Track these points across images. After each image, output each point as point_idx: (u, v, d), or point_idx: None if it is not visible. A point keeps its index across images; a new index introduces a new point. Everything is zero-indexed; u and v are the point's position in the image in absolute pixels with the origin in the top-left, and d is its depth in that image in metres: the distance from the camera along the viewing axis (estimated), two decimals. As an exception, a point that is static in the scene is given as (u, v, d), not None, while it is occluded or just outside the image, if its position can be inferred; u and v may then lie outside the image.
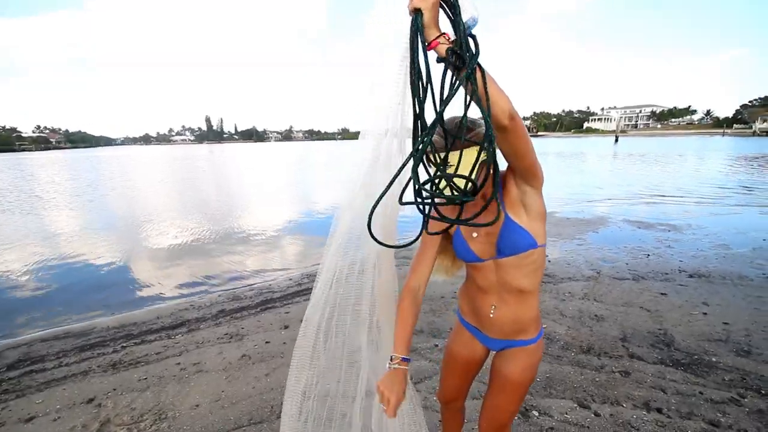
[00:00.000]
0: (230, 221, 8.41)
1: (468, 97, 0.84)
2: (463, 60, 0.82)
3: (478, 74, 0.83)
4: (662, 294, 3.82)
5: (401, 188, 0.98)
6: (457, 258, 1.32)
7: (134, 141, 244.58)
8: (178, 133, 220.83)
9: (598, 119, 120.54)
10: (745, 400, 2.24)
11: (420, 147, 0.88)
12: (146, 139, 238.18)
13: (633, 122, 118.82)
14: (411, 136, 0.94)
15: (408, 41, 0.87)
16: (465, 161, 0.98)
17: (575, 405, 2.22)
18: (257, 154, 47.82)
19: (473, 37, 0.86)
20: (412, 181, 0.93)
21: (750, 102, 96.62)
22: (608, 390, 2.36)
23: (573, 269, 4.59)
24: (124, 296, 4.39)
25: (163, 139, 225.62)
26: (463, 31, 0.83)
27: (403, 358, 1.11)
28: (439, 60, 0.86)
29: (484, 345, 1.34)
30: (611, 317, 3.33)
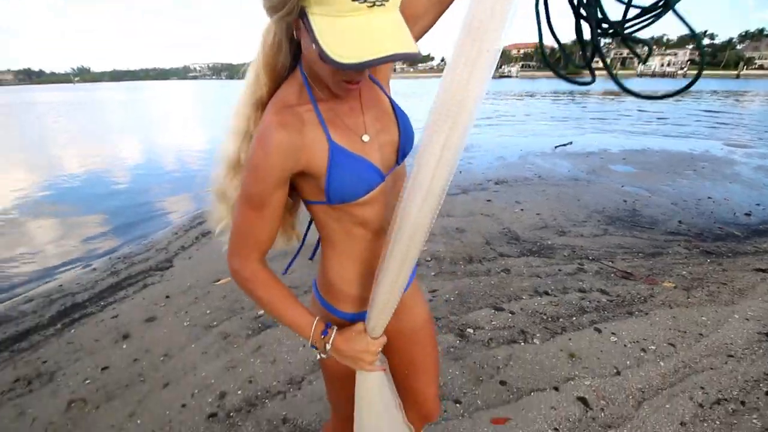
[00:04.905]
0: None
1: None
2: None
3: None
4: (488, 201, 4.54)
5: None
6: (329, 203, 0.74)
7: None
8: None
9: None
10: (585, 266, 2.92)
11: None
12: None
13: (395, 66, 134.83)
14: None
15: None
16: None
17: (493, 311, 2.39)
18: None
19: None
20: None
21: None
22: (506, 289, 2.65)
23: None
24: None
25: None
26: None
27: (327, 325, 0.79)
28: None
29: None
30: (468, 227, 3.74)
